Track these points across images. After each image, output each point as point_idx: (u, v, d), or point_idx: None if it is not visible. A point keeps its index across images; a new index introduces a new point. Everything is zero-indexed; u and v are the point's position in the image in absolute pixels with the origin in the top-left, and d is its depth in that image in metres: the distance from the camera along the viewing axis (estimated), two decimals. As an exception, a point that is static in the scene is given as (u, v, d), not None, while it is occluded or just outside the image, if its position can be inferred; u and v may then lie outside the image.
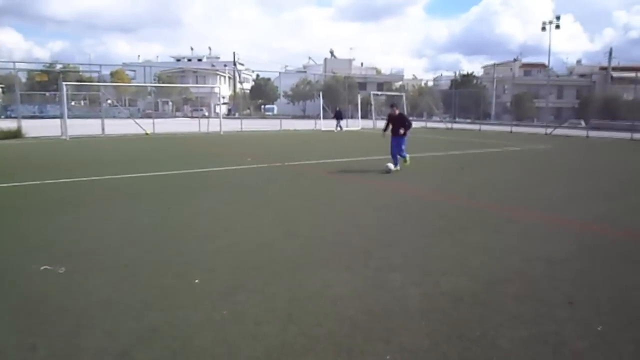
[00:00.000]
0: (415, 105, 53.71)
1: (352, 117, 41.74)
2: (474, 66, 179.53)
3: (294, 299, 4.35)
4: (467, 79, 64.57)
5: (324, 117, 36.38)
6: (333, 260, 5.43)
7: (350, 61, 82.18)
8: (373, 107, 40.60)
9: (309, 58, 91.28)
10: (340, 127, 34.51)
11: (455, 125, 41.11)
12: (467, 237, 6.53)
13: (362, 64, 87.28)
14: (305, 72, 72.22)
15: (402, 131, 12.92)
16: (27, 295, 4.47)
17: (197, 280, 4.76)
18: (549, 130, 33.67)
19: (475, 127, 38.86)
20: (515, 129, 36.46)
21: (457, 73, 69.70)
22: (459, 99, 47.49)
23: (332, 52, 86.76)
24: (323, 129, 34.45)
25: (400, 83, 74.65)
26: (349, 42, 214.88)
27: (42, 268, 5.10)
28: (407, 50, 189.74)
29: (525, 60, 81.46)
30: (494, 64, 75.92)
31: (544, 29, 59.85)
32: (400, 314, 4.07)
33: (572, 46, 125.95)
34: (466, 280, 4.86)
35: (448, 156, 17.96)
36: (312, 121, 38.69)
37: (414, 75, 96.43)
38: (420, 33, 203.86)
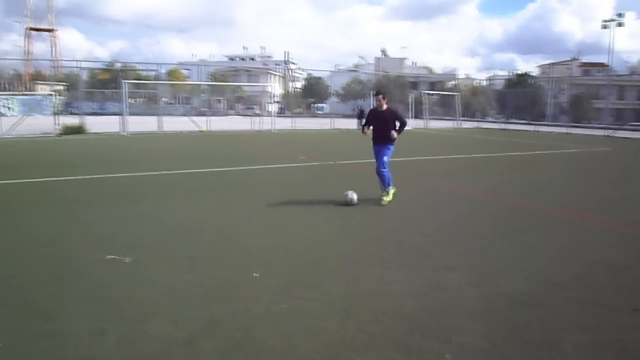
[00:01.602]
0: (469, 105, 52.79)
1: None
2: (530, 65, 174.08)
3: (351, 295, 4.39)
4: (523, 78, 62.87)
5: (375, 116, 36.23)
6: (388, 259, 5.43)
7: (402, 60, 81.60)
8: (426, 106, 40.13)
9: (360, 57, 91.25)
10: (363, 127, 33.22)
11: (510, 126, 40.12)
12: (523, 239, 6.41)
13: (414, 62, 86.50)
14: (356, 70, 72.16)
15: (394, 134, 8.16)
16: (95, 282, 4.69)
17: (256, 274, 4.87)
18: (608, 132, 32.36)
19: (531, 128, 37.84)
20: (572, 130, 35.25)
21: (512, 72, 67.99)
22: (513, 99, 46.32)
23: (383, 51, 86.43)
24: (374, 128, 34.37)
25: (453, 82, 73.40)
26: (400, 40, 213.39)
27: (108, 257, 5.33)
28: (460, 49, 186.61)
29: (584, 59, 78.66)
30: (551, 63, 73.67)
31: (605, 27, 57.58)
32: (458, 314, 4.04)
33: (634, 44, 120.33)
34: (524, 283, 4.77)
35: (502, 157, 17.57)
36: (364, 120, 38.64)
37: (467, 74, 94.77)
38: (473, 31, 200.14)
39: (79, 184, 10.47)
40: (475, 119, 46.80)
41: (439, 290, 4.55)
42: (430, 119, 39.81)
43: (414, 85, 64.50)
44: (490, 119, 48.04)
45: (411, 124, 36.52)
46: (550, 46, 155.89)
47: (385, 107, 8.27)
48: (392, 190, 8.39)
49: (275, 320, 3.87)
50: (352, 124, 36.59)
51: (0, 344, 3.46)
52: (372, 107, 38.08)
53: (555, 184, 11.33)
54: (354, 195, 8.13)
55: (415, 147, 21.16)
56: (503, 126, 40.31)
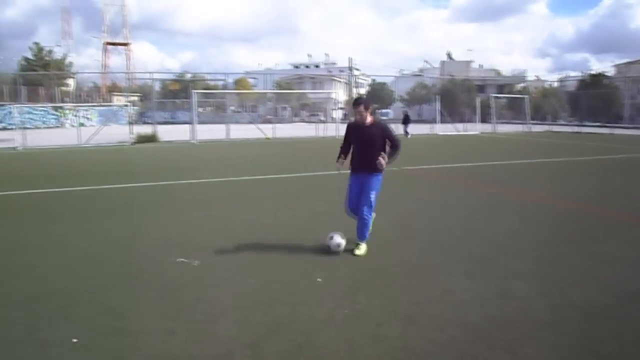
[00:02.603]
0: (539, 108, 50.93)
1: (470, 121, 40.56)
2: (604, 65, 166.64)
3: (414, 302, 4.36)
4: (597, 79, 59.96)
5: (442, 121, 35.67)
6: (453, 266, 5.35)
7: (468, 63, 79.97)
8: (493, 110, 39.12)
9: (425, 61, 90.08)
10: (407, 132, 31.11)
11: (583, 129, 38.38)
12: (596, 247, 6.13)
13: (480, 65, 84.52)
14: (421, 75, 71.41)
15: (382, 162, 5.63)
16: (166, 284, 4.90)
17: (319, 279, 4.93)
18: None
19: (606, 131, 36.03)
20: (653, 133, 33.28)
21: (586, 73, 64.99)
22: (587, 101, 44.24)
23: (449, 55, 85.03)
24: (440, 133, 33.80)
25: (522, 85, 71.15)
26: (466, 43, 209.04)
27: (178, 260, 5.55)
28: (529, 50, 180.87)
29: (665, 57, 74.00)
30: (628, 62, 69.83)
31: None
32: (525, 324, 3.93)
33: None
34: (597, 293, 4.57)
35: (575, 162, 16.85)
36: (427, 125, 38.10)
37: (537, 76, 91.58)
38: (543, 31, 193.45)
39: (152, 190, 10.94)
40: (546, 122, 45.04)
41: (505, 299, 4.43)
42: (498, 122, 38.77)
43: (481, 88, 62.98)
44: (562, 122, 46.12)
45: (478, 128, 36.00)
46: (626, 45, 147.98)
47: (369, 120, 5.77)
48: (364, 246, 5.92)
49: (338, 325, 3.91)
50: (418, 128, 36.19)
51: (76, 340, 3.68)
52: (440, 111, 35.00)
53: (632, 190, 10.75)
54: (340, 240, 5.79)
55: (482, 151, 20.67)
56: (576, 129, 38.61)
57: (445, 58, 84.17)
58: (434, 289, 4.67)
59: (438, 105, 36.11)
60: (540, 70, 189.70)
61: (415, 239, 6.55)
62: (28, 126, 30.57)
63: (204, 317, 4.09)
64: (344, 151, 6.12)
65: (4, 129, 35.11)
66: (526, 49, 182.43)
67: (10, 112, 38.30)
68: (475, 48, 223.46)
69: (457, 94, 53.10)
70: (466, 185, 11.26)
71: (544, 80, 75.27)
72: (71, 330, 3.84)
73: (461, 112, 46.20)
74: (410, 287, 4.74)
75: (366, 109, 5.75)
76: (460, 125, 36.72)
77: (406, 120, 32.27)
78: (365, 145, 5.82)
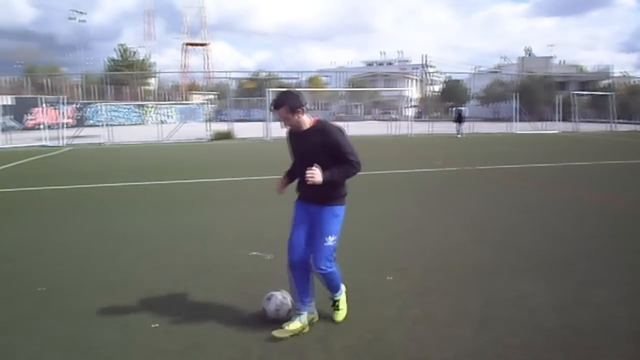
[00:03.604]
0: (626, 106, 48.03)
1: (549, 120, 38.91)
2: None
3: (487, 305, 4.27)
4: (693, 74, 55.75)
5: (519, 120, 34.46)
6: (529, 270, 5.18)
7: (548, 59, 76.59)
8: (575, 108, 37.34)
9: (503, 57, 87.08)
10: (460, 131, 30.19)
11: (678, 129, 35.88)
12: (689, 256, 5.74)
13: (562, 61, 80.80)
14: (498, 72, 69.10)
15: (312, 174, 3.60)
16: (240, 276, 5.07)
17: (389, 278, 4.93)
18: None
19: None
20: None
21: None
22: (683, 99, 41.30)
23: (528, 50, 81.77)
24: (517, 132, 32.67)
25: (607, 81, 67.37)
26: (546, 38, 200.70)
27: (251, 254, 5.73)
28: (615, 44, 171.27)
29: None
30: None
31: None
32: (604, 333, 3.75)
33: None
34: (687, 304, 4.30)
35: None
36: (504, 124, 36.90)
37: (623, 72, 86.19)
38: (631, 24, 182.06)
39: (227, 185, 11.31)
40: (634, 122, 42.47)
41: (584, 306, 4.25)
42: (580, 121, 36.96)
43: (562, 85, 60.17)
44: (652, 122, 43.29)
45: (558, 127, 34.45)
46: None
47: (308, 123, 3.78)
48: (343, 301, 4.08)
49: (407, 325, 3.90)
50: (494, 127, 35.17)
51: (156, 325, 3.89)
52: (517, 109, 33.55)
53: None
54: (279, 301, 4.03)
55: (562, 152, 19.81)
56: (668, 129, 36.17)
57: (524, 54, 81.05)
58: (508, 293, 4.55)
59: (516, 103, 34.89)
60: (627, 66, 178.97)
61: (489, 241, 6.39)
62: (113, 123, 32.30)
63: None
64: (291, 170, 4.26)
65: (92, 125, 37.25)
66: (611, 43, 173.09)
67: (98, 110, 40.65)
68: (556, 43, 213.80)
69: (536, 91, 50.95)
70: (544, 187, 10.84)
71: (632, 77, 70.92)
72: (151, 316, 4.06)
73: (540, 110, 44.34)
74: (484, 289, 4.64)
75: (293, 110, 3.65)
76: (539, 124, 35.29)
77: (459, 119, 30.90)
78: (305, 160, 3.74)
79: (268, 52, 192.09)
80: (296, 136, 3.89)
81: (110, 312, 4.20)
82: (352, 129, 31.15)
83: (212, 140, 26.38)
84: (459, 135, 29.24)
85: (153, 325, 3.89)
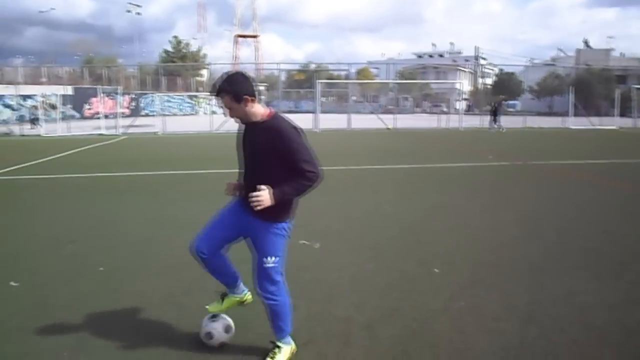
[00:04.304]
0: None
1: (607, 115, 37.48)
2: None
3: (534, 301, 4.23)
4: None
5: (575, 115, 33.34)
6: (580, 268, 5.09)
7: (607, 51, 73.45)
8: (635, 103, 35.80)
9: (559, 49, 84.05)
10: (499, 124, 28.50)
11: None
12: None
13: (622, 54, 77.35)
14: (554, 64, 66.85)
15: (258, 198, 2.95)
16: (289, 263, 5.14)
17: (436, 270, 4.95)
18: None
19: None
20: None
21: None
22: None
23: (586, 42, 78.58)
24: (572, 127, 31.64)
25: (671, 75, 64.23)
26: (606, 30, 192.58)
27: (300, 242, 5.84)
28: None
29: None
30: None
31: None
32: (658, 332, 3.68)
33: None
34: None
35: None
36: (558, 118, 35.77)
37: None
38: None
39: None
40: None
41: (636, 305, 4.16)
42: (640, 117, 35.41)
43: (622, 79, 57.64)
44: None
45: (617, 122, 33.12)
46: None
47: (260, 115, 3.11)
48: (284, 352, 3.27)
49: (453, 316, 3.92)
50: (548, 122, 34.19)
51: (208, 306, 4.04)
52: (573, 103, 31.95)
53: None
54: (210, 328, 3.45)
55: (619, 148, 19.10)
56: None
57: (581, 46, 78.08)
58: (557, 290, 4.49)
59: (571, 97, 33.75)
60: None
61: (541, 237, 6.28)
62: (167, 113, 33.20)
63: (323, 297, 4.30)
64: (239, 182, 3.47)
65: (146, 115, 38.42)
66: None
67: (153, 100, 41.83)
68: (616, 35, 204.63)
69: (594, 84, 49.14)
70: (598, 184, 10.52)
71: (698, 70, 67.26)
72: (204, 298, 4.21)
73: (597, 104, 42.78)
74: (533, 285, 4.59)
75: (237, 98, 2.98)
76: (595, 119, 34.02)
77: (495, 112, 29.10)
78: (250, 163, 3.23)
79: (317, 43, 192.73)
80: (247, 131, 3.19)
81: (166, 294, 4.40)
82: (401, 121, 31.04)
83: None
84: (501, 129, 28.20)
85: (206, 306, 4.05)
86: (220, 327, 3.44)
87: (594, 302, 4.22)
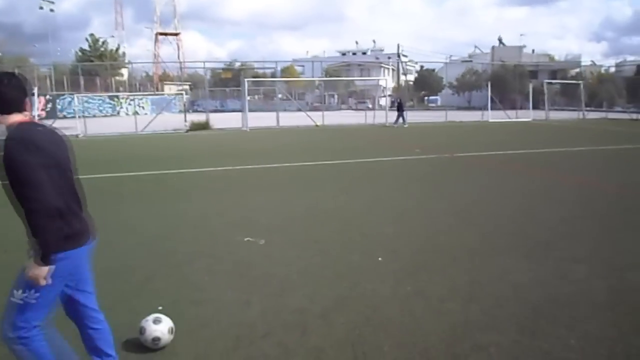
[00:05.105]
0: (594, 95, 49.14)
1: (522, 108, 39.65)
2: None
3: (474, 281, 4.54)
4: (658, 63, 57.36)
5: (492, 108, 35.05)
6: (511, 249, 5.48)
7: (520, 48, 77.64)
8: (546, 96, 38.13)
9: (475, 47, 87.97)
10: (404, 119, 29.50)
11: (643, 116, 36.88)
12: (658, 234, 6.11)
13: (533, 50, 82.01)
14: (471, 61, 69.92)
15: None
16: (236, 260, 5.24)
17: (380, 259, 5.17)
18: None
19: (668, 118, 34.55)
20: None
21: (646, 57, 62.11)
22: (647, 87, 42.44)
23: (500, 40, 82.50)
24: (491, 120, 33.25)
25: (576, 70, 68.79)
26: (517, 28, 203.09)
27: (245, 239, 5.90)
28: (584, 34, 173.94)
29: None
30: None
31: None
32: (584, 304, 4.05)
33: None
34: (659, 277, 4.63)
35: (634, 149, 16.37)
36: (478, 112, 37.49)
37: (592, 61, 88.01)
38: (599, 14, 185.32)
39: (212, 175, 11.42)
40: (602, 109, 43.48)
41: (564, 280, 4.55)
42: (551, 109, 37.70)
43: (534, 74, 61.16)
44: (619, 109, 44.41)
45: (530, 115, 35.15)
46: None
47: (10, 124, 2.43)
48: None
49: (401, 300, 4.14)
50: (468, 116, 35.71)
51: (161, 307, 4.04)
52: (490, 97, 32.98)
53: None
54: (154, 332, 3.42)
55: (535, 139, 20.34)
56: (634, 116, 37.20)
57: (496, 43, 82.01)
58: (493, 270, 4.83)
59: (489, 92, 35.46)
60: (596, 55, 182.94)
61: (473, 223, 6.68)
62: (87, 115, 31.86)
63: (275, 290, 4.39)
64: None
65: (64, 117, 36.63)
66: (580, 32, 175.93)
67: (70, 101, 39.97)
68: (527, 32, 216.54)
69: (509, 80, 51.82)
70: (520, 172, 11.22)
71: (600, 66, 72.56)
72: (155, 300, 4.20)
73: (513, 98, 45.13)
74: (471, 267, 4.91)
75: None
76: (511, 112, 35.91)
77: (400, 108, 30.37)
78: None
79: (240, 41, 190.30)
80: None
81: (114, 298, 4.32)
82: (328, 118, 31.39)
83: (189, 131, 26.26)
84: (395, 125, 29.03)
85: (159, 308, 4.03)
86: (165, 330, 3.44)
87: (526, 280, 4.58)
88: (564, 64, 74.34)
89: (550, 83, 43.56)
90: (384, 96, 52.54)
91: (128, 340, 3.53)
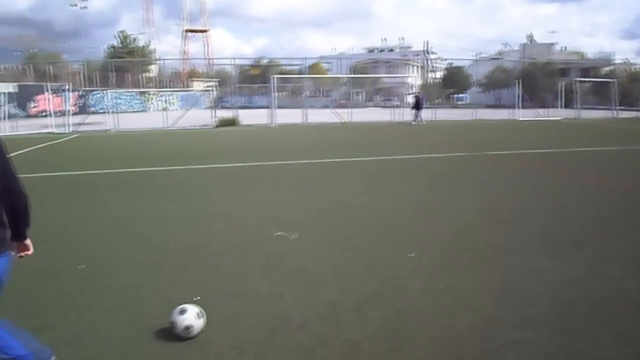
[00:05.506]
0: (627, 93, 48.03)
1: (552, 106, 39.05)
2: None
3: (505, 279, 4.55)
4: (695, 61, 55.63)
5: (522, 107, 34.60)
6: (542, 248, 5.46)
7: (550, 46, 76.37)
8: (577, 95, 37.47)
9: (504, 44, 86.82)
10: (420, 118, 29.37)
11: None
12: (694, 236, 6.02)
13: (563, 48, 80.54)
14: (500, 58, 69.00)
15: None
16: (270, 254, 5.34)
17: (411, 255, 5.21)
18: None
19: None
20: None
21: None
22: (683, 85, 41.30)
23: (530, 37, 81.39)
24: (521, 118, 32.84)
25: (608, 68, 67.27)
26: (548, 25, 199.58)
27: (277, 234, 6.00)
28: (617, 31, 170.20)
29: None
30: None
31: None
32: (617, 303, 4.03)
33: None
34: (694, 279, 4.58)
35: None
36: (506, 110, 37.04)
37: (625, 59, 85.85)
38: (632, 10, 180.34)
39: (241, 170, 11.59)
40: (635, 108, 42.55)
41: (597, 279, 4.53)
42: (582, 108, 37.07)
43: (564, 72, 60.05)
44: (654, 108, 43.34)
45: (561, 113, 34.59)
46: None
47: None
48: None
49: (433, 296, 4.18)
50: (497, 114, 35.31)
51: (199, 298, 4.16)
52: (520, 95, 32.85)
53: None
54: (189, 322, 3.49)
55: (566, 138, 20.05)
56: (670, 115, 36.31)
57: (525, 40, 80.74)
58: (524, 268, 4.82)
59: (518, 90, 35.00)
60: (629, 53, 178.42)
61: (502, 221, 6.67)
62: (117, 110, 32.43)
63: (308, 284, 4.48)
64: None
65: (95, 112, 37.37)
66: (613, 30, 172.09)
67: (101, 97, 40.73)
68: (557, 30, 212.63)
69: (539, 78, 50.97)
70: (551, 172, 11.10)
71: (633, 64, 70.76)
72: (192, 291, 4.32)
73: (543, 97, 44.47)
74: (501, 265, 4.92)
75: None
76: (541, 111, 35.44)
77: (418, 106, 30.03)
78: None
79: (267, 38, 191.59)
80: None
81: (152, 288, 4.46)
82: (355, 115, 31.41)
83: (217, 126, 26.57)
84: (413, 123, 28.74)
85: (196, 298, 4.14)
86: (193, 317, 3.53)
87: (557, 278, 4.57)
88: (595, 61, 72.78)
89: (581, 81, 42.73)
90: (411, 94, 52.18)
91: (164, 329, 3.61)
